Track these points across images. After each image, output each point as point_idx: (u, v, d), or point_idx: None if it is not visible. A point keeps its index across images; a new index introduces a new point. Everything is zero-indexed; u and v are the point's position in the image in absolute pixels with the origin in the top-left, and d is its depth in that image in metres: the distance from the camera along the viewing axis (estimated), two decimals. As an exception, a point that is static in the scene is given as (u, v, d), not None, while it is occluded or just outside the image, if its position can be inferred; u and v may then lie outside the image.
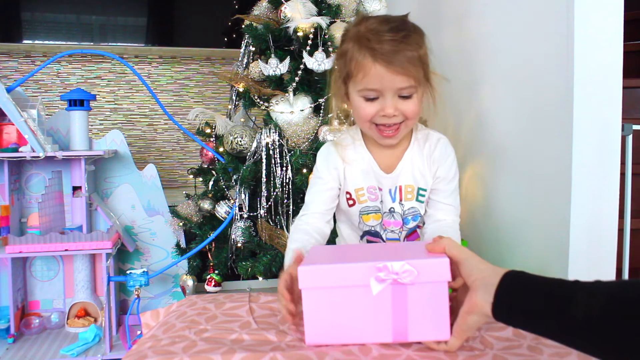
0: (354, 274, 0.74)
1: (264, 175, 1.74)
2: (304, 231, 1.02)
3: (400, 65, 0.89)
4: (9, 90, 1.82)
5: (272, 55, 1.76)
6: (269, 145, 1.74)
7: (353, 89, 0.96)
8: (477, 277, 0.69)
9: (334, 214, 1.12)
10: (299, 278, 0.75)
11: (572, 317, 0.58)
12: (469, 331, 0.73)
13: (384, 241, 1.09)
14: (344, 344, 0.76)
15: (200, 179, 2.09)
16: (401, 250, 0.83)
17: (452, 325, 0.75)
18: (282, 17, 1.77)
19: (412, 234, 1.10)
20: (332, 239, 1.32)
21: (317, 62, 1.70)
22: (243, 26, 1.86)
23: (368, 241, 1.11)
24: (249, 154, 1.79)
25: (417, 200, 1.06)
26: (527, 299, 0.63)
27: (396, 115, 0.94)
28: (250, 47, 1.91)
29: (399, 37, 0.90)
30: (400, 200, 1.05)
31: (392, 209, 1.06)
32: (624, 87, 1.15)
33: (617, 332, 0.54)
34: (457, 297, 0.78)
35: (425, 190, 1.05)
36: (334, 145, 1.08)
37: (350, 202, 1.07)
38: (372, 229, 1.08)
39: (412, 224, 1.08)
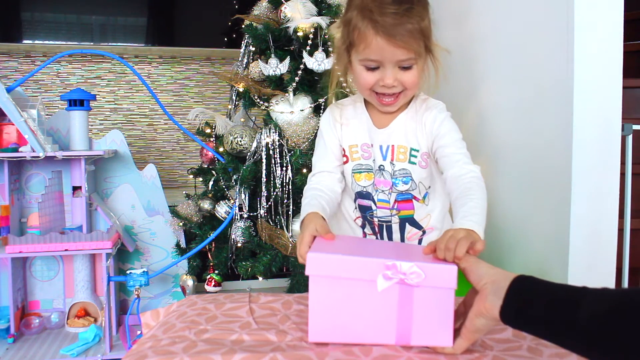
0: (363, 268, 0.74)
1: (264, 175, 1.74)
2: (316, 189, 1.05)
3: (401, 39, 0.92)
4: (9, 90, 1.82)
5: (272, 55, 1.76)
6: (269, 145, 1.74)
7: (355, 58, 1.00)
8: (488, 281, 0.70)
9: None
10: (307, 264, 0.75)
11: (577, 323, 0.58)
12: (477, 334, 0.73)
13: (375, 204, 1.09)
14: (345, 344, 0.76)
15: (200, 179, 2.09)
16: (412, 251, 0.82)
17: (457, 330, 0.75)
18: (282, 17, 1.77)
19: (405, 203, 1.09)
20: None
21: (317, 62, 1.70)
22: (243, 26, 1.86)
23: (360, 205, 1.11)
24: (249, 154, 1.79)
25: (409, 162, 1.06)
26: (534, 303, 0.64)
27: (395, 85, 0.98)
28: (250, 47, 1.91)
29: (401, 10, 0.91)
30: (392, 160, 1.07)
31: (381, 167, 1.07)
32: (624, 87, 1.15)
33: (622, 338, 0.54)
34: (465, 301, 0.78)
35: (417, 150, 1.06)
36: (335, 106, 1.13)
37: (344, 159, 1.10)
38: (364, 190, 1.09)
39: (401, 187, 1.07)
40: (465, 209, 0.88)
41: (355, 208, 1.12)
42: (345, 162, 1.10)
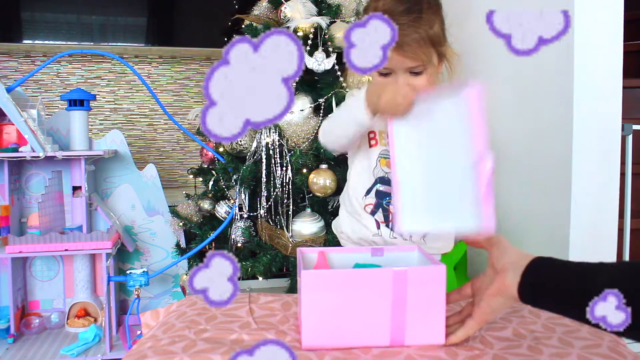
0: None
1: (264, 175, 1.74)
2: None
3: (407, 49, 0.94)
4: (9, 90, 1.82)
5: (272, 55, 1.75)
6: (269, 145, 1.74)
7: None
8: (507, 261, 0.71)
9: (347, 161, 1.16)
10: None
11: (596, 295, 0.58)
12: (492, 314, 0.74)
13: None
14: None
15: (200, 179, 2.09)
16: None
17: (459, 323, 0.76)
18: (282, 17, 1.77)
19: None
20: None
21: (317, 62, 1.70)
22: (243, 26, 1.86)
23: (378, 191, 1.11)
24: (249, 154, 1.79)
25: None
26: (552, 278, 0.65)
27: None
28: (250, 47, 1.91)
29: (408, 21, 0.93)
30: None
31: None
32: (624, 87, 1.15)
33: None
34: (474, 286, 0.79)
35: None
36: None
37: (373, 142, 1.11)
38: (387, 175, 1.09)
39: None
40: None
41: (369, 194, 1.12)
42: (374, 145, 1.11)
